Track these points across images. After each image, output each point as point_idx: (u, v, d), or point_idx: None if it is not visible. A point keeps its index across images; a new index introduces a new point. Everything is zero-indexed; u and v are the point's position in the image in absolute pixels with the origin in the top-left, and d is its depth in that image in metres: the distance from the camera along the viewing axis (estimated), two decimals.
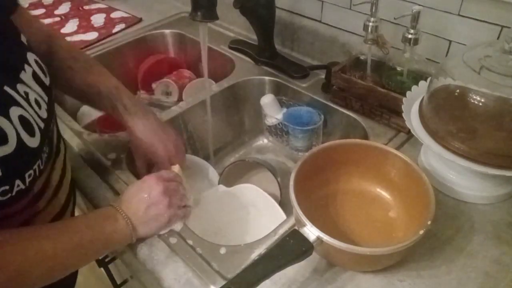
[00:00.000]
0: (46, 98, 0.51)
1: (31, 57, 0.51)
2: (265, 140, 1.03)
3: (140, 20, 1.23)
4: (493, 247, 0.56)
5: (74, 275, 0.68)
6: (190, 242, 0.59)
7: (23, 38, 0.52)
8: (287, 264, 0.48)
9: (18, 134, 0.44)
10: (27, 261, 0.45)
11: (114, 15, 1.27)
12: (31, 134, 0.46)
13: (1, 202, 0.44)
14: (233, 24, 1.15)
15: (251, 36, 1.07)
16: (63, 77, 0.64)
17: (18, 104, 0.45)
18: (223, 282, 0.49)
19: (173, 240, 0.59)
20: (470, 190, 0.62)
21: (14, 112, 0.44)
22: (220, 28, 1.15)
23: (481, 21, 0.71)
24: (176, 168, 0.65)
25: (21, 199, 0.47)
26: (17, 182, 0.44)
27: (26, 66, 0.49)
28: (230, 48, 1.06)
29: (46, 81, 0.52)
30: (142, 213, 0.55)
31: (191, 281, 0.54)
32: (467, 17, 0.72)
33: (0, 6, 0.51)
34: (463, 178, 0.63)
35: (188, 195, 0.63)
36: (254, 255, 0.57)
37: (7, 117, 0.43)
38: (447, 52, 0.77)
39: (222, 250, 0.57)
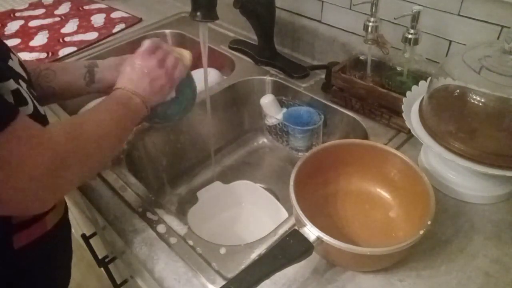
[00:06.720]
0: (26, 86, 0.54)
1: (14, 56, 0.55)
2: (265, 140, 1.03)
3: (140, 20, 1.23)
4: (493, 247, 0.56)
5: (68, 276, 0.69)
6: (190, 242, 0.59)
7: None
8: (287, 264, 0.48)
9: (32, 100, 0.50)
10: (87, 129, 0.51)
11: (114, 15, 1.27)
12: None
13: None
14: (233, 24, 1.15)
15: (251, 36, 1.07)
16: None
17: (21, 78, 0.51)
18: (223, 282, 0.49)
19: (173, 240, 0.59)
20: (470, 190, 0.62)
21: (22, 84, 0.50)
22: (220, 28, 1.15)
23: (481, 21, 0.71)
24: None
25: None
26: None
27: (12, 55, 0.54)
28: (230, 48, 1.06)
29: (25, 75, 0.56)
30: (149, 88, 0.61)
31: (191, 281, 0.54)
32: (467, 17, 0.72)
33: None
34: (463, 178, 0.63)
35: (176, 53, 0.69)
36: (254, 255, 0.57)
37: (20, 85, 0.48)
38: (447, 52, 0.77)
39: (222, 250, 0.57)
